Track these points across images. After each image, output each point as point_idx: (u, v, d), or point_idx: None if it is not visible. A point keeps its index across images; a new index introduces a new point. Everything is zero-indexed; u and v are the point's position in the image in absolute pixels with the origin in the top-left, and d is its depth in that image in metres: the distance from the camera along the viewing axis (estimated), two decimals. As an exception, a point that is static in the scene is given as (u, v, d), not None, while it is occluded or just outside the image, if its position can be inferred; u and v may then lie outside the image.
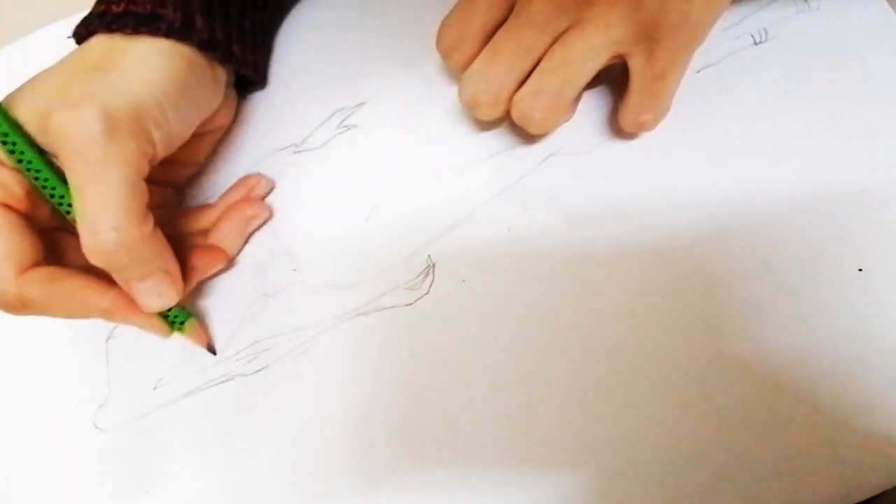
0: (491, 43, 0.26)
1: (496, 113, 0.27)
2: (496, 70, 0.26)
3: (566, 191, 0.29)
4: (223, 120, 0.31)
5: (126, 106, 0.24)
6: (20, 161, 0.24)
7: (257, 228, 0.31)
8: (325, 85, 0.33)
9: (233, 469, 0.28)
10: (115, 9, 0.26)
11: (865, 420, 0.25)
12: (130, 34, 0.26)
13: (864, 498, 0.24)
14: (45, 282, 0.24)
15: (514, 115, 0.27)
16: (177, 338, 0.28)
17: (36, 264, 0.25)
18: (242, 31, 0.30)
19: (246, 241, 0.31)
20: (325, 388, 0.28)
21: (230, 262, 0.30)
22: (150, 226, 0.24)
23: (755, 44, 0.30)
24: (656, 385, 0.26)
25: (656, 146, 0.29)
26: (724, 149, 0.29)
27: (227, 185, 0.32)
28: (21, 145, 0.24)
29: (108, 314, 0.26)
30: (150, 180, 0.25)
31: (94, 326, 0.31)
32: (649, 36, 0.24)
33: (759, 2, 0.31)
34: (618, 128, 0.29)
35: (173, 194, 0.31)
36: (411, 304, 0.29)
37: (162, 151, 0.26)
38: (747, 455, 0.25)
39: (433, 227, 0.30)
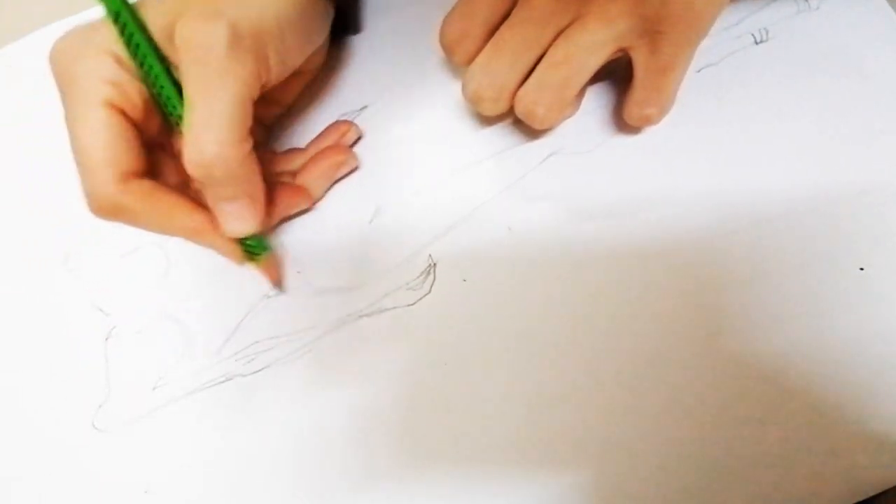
0: (494, 38, 0.26)
1: (499, 108, 0.27)
2: (499, 65, 0.26)
3: (567, 190, 0.29)
4: (318, 60, 0.31)
5: (250, 25, 0.24)
6: (142, 65, 0.24)
7: (345, 176, 0.31)
8: (328, 90, 0.33)
9: (232, 469, 0.28)
10: None
11: (865, 420, 0.25)
12: None
13: (863, 498, 0.24)
14: (143, 194, 0.25)
15: (518, 110, 0.27)
16: (171, 340, 0.28)
17: (136, 175, 0.25)
18: None
19: (331, 186, 0.31)
20: (325, 388, 0.28)
21: (313, 205, 0.31)
22: (249, 147, 0.25)
23: (756, 43, 0.30)
24: (656, 385, 0.26)
25: (657, 145, 0.29)
26: (725, 148, 0.29)
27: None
28: (144, 48, 0.24)
29: (193, 233, 0.26)
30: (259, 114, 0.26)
31: (94, 327, 0.30)
32: (652, 30, 0.24)
33: (759, 1, 0.31)
34: (621, 123, 0.29)
35: (263, 133, 0.32)
36: (413, 304, 0.29)
37: (275, 77, 0.26)
38: (747, 455, 0.25)
39: (434, 228, 0.30)
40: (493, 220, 0.29)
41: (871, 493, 0.24)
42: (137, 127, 0.25)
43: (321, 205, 0.31)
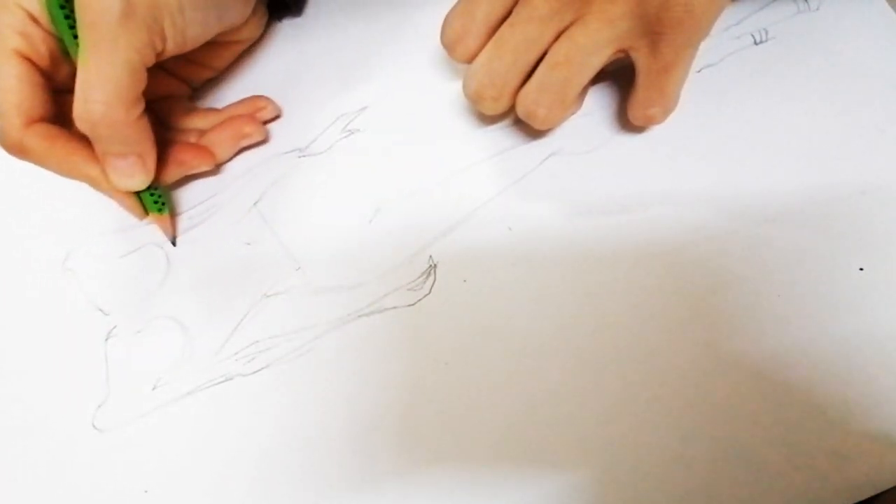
0: (495, 37, 0.26)
1: (500, 107, 0.27)
2: (500, 64, 0.26)
3: (567, 190, 0.29)
4: (249, 34, 0.32)
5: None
6: (53, 21, 0.26)
7: (248, 148, 0.32)
8: (327, 90, 0.33)
9: (233, 469, 0.28)
10: None
11: (865, 420, 0.25)
12: None
13: (863, 498, 0.24)
14: (46, 138, 0.27)
15: (519, 110, 0.27)
16: (171, 340, 0.28)
17: (43, 119, 0.27)
18: None
19: (236, 154, 0.32)
20: (326, 388, 0.28)
21: (216, 168, 0.32)
22: (137, 112, 0.26)
23: (755, 44, 0.30)
24: (657, 384, 0.26)
25: (657, 146, 0.29)
26: (725, 148, 0.29)
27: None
28: (54, 6, 0.26)
29: (92, 181, 0.28)
30: (167, 71, 0.29)
31: (94, 327, 0.30)
32: (653, 30, 0.24)
33: (759, 2, 0.31)
34: (621, 123, 0.29)
35: (187, 90, 0.33)
36: (413, 304, 0.29)
37: (172, 49, 0.27)
38: (747, 455, 0.25)
39: (435, 228, 0.30)
40: (493, 220, 0.29)
41: (871, 493, 0.24)
42: (45, 75, 0.27)
43: (322, 204, 0.31)
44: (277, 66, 0.34)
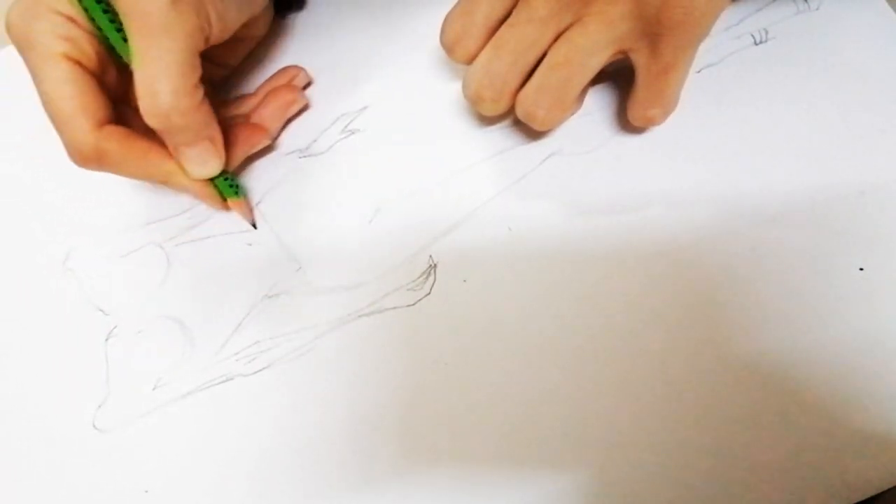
0: (494, 38, 0.26)
1: (499, 108, 0.27)
2: (499, 65, 0.26)
3: (567, 190, 0.29)
4: (259, 30, 0.33)
5: None
6: (92, 20, 0.26)
7: (294, 117, 0.33)
8: (328, 91, 0.33)
9: (233, 469, 0.28)
10: None
11: (865, 420, 0.25)
12: None
13: (863, 498, 0.24)
14: (121, 138, 0.27)
15: (519, 112, 0.27)
16: (171, 340, 0.28)
17: (109, 122, 0.27)
18: None
19: (284, 127, 0.32)
20: (326, 388, 0.28)
21: (271, 142, 0.32)
22: (201, 94, 0.26)
23: (755, 44, 0.30)
24: (657, 385, 0.26)
25: (656, 146, 0.29)
26: (725, 149, 0.29)
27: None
28: (91, 4, 0.25)
29: (170, 176, 0.28)
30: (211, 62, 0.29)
31: (94, 327, 0.30)
32: (652, 31, 0.24)
33: (759, 2, 0.31)
34: (621, 124, 0.29)
35: (209, 90, 0.32)
36: (413, 304, 0.29)
37: (217, 34, 0.27)
38: (747, 455, 0.25)
39: (435, 228, 0.30)
40: (494, 221, 0.29)
41: (871, 493, 0.24)
42: (97, 77, 0.27)
43: (322, 205, 0.31)
44: (278, 67, 0.34)
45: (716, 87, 0.30)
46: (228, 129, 0.29)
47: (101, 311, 0.31)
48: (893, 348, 0.25)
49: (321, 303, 0.29)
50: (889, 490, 0.24)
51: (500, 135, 0.31)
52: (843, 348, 0.26)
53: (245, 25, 0.30)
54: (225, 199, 0.30)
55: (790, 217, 0.27)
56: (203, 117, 0.26)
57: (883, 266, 0.26)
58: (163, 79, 0.25)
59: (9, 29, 0.26)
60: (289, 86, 0.32)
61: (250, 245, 0.31)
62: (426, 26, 0.32)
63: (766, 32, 0.30)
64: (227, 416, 0.28)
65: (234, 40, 0.31)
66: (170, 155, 0.27)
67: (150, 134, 0.27)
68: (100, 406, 0.29)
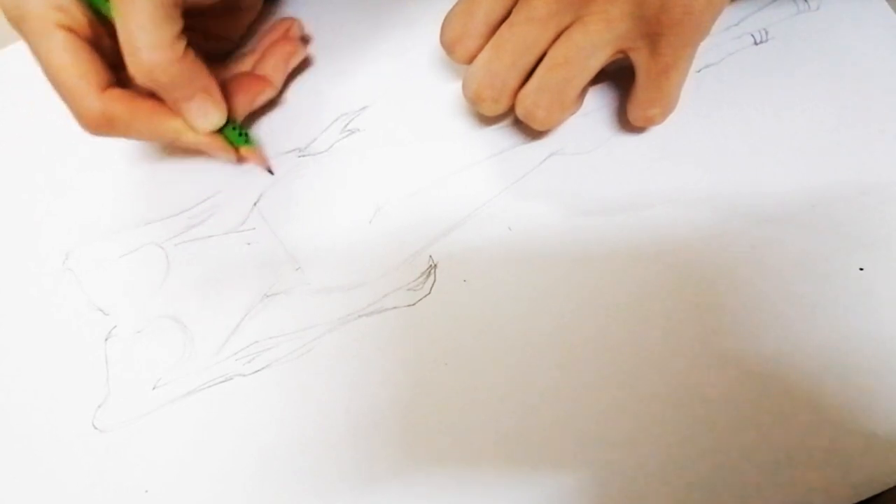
0: (494, 38, 0.26)
1: (499, 108, 0.27)
2: (499, 65, 0.26)
3: (567, 190, 0.29)
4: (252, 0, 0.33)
5: None
6: None
7: (299, 70, 0.33)
8: (328, 90, 0.33)
9: (232, 469, 0.28)
10: None
11: (865, 420, 0.25)
12: None
13: (863, 498, 0.24)
14: (126, 100, 0.27)
15: (519, 112, 0.27)
16: (171, 340, 0.28)
17: (111, 86, 0.27)
18: None
19: (288, 81, 0.33)
20: (325, 388, 0.28)
21: (276, 94, 0.32)
22: (181, 47, 0.26)
23: (755, 44, 0.30)
24: (657, 385, 0.26)
25: (657, 145, 0.29)
26: (724, 149, 0.29)
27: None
28: None
29: (178, 134, 0.28)
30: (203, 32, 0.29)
31: (94, 327, 0.30)
32: (652, 31, 0.24)
33: (759, 2, 0.31)
34: (621, 123, 0.29)
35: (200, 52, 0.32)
36: (413, 304, 0.29)
37: None
38: (747, 455, 0.25)
39: (435, 228, 0.30)
40: (494, 221, 0.29)
41: (871, 493, 0.24)
42: (93, 44, 0.27)
43: (322, 204, 0.31)
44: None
45: (716, 87, 0.30)
46: (229, 82, 0.30)
47: (101, 311, 0.31)
48: (893, 348, 0.25)
49: (320, 303, 0.29)
50: (889, 490, 0.24)
51: (500, 135, 0.31)
52: (844, 348, 0.26)
53: None
54: (237, 150, 0.30)
55: (790, 217, 0.27)
56: (189, 69, 0.26)
57: (883, 266, 0.26)
58: (140, 35, 0.24)
59: (1, 5, 0.26)
60: (287, 38, 0.32)
61: (249, 244, 0.31)
62: (426, 26, 0.32)
63: (767, 32, 0.30)
64: (227, 415, 0.28)
65: (231, 10, 0.31)
66: (174, 112, 0.27)
67: (152, 96, 0.27)
68: (100, 406, 0.29)
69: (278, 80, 0.32)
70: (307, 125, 0.33)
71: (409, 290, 0.29)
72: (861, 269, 0.27)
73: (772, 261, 0.27)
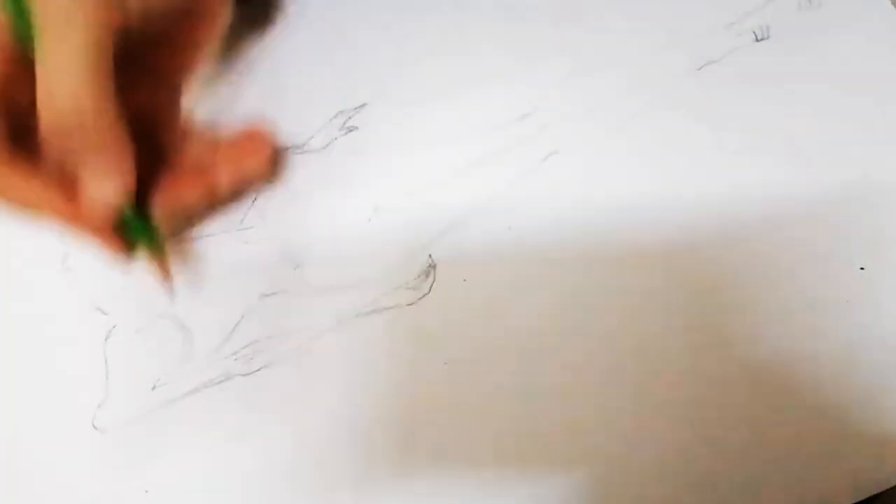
0: None
1: None
2: None
3: (567, 190, 0.29)
4: (219, 6, 0.28)
5: None
6: (6, 9, 0.23)
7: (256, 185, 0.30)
8: (326, 87, 0.33)
9: (232, 469, 0.28)
10: None
11: (865, 420, 0.25)
12: None
13: (863, 497, 0.24)
14: (5, 162, 0.23)
15: None
16: (170, 340, 0.28)
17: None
18: None
19: (241, 195, 0.29)
20: (325, 388, 0.28)
21: (215, 203, 0.28)
22: (106, 95, 0.23)
23: (756, 41, 0.30)
24: (656, 384, 0.26)
25: (657, 144, 0.29)
26: (725, 147, 0.29)
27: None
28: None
29: (71, 218, 0.25)
30: (152, 71, 0.25)
31: (94, 327, 0.30)
32: None
33: (760, -1, 0.31)
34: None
35: (178, 94, 0.29)
36: (412, 304, 0.29)
37: (136, 17, 0.24)
38: (747, 455, 0.25)
39: (434, 227, 0.29)
40: (493, 221, 0.29)
41: (871, 493, 0.24)
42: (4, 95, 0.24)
43: (320, 203, 0.31)
44: (275, 62, 0.33)
45: (716, 85, 0.30)
46: (166, 171, 0.26)
47: (101, 310, 0.31)
48: (894, 347, 0.25)
49: (319, 302, 0.29)
50: (889, 490, 0.24)
51: (500, 134, 0.31)
52: (844, 348, 0.26)
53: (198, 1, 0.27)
54: (132, 245, 0.25)
55: (790, 216, 0.27)
56: (107, 121, 0.23)
57: (884, 265, 0.26)
58: (60, 75, 0.22)
59: None
60: (249, 144, 0.28)
61: (247, 244, 0.31)
62: (425, 22, 0.32)
63: (767, 30, 0.30)
64: (227, 415, 0.28)
65: (192, 18, 0.27)
66: (69, 193, 0.24)
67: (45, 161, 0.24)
68: (99, 406, 0.29)
69: (222, 189, 0.27)
70: (305, 122, 0.32)
71: (408, 289, 0.29)
72: (862, 269, 0.26)
73: (772, 260, 0.27)
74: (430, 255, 0.29)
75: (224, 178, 0.27)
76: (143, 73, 0.26)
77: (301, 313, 0.29)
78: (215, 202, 0.28)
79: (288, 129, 0.32)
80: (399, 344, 0.28)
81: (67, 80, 0.22)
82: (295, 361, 0.29)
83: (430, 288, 0.29)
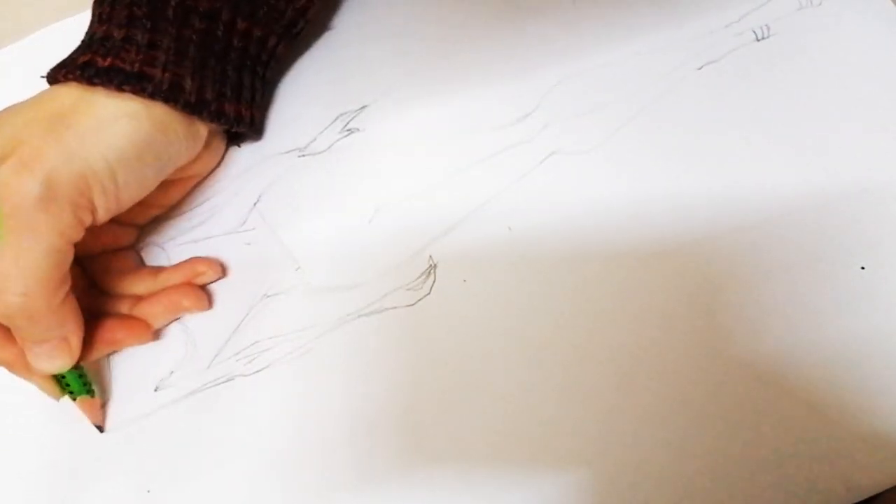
0: None
1: None
2: None
3: (567, 190, 0.29)
4: (201, 168, 0.31)
5: (73, 174, 0.24)
6: None
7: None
8: (327, 89, 0.33)
9: (233, 469, 0.28)
10: (100, 62, 0.25)
11: (865, 420, 0.25)
12: (113, 90, 0.25)
13: (863, 497, 0.24)
14: None
15: None
16: (172, 341, 0.29)
17: None
18: (240, 87, 0.30)
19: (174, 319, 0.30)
20: (326, 388, 0.28)
21: (151, 339, 0.29)
22: (60, 297, 0.24)
23: (757, 40, 0.30)
24: (656, 385, 0.26)
25: (657, 144, 0.29)
26: (725, 146, 0.29)
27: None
28: None
29: (8, 365, 0.27)
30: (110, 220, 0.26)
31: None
32: None
33: (761, -2, 0.31)
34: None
35: (133, 233, 0.31)
36: (413, 304, 0.29)
37: (105, 216, 0.26)
38: (747, 454, 0.25)
39: (434, 228, 0.30)
40: (493, 221, 0.29)
41: (871, 493, 0.24)
42: None
43: (321, 204, 0.31)
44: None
45: (717, 84, 0.30)
46: (103, 321, 0.28)
47: (102, 311, 0.31)
48: (893, 348, 0.25)
49: (320, 303, 0.29)
50: (889, 490, 0.24)
51: (500, 134, 0.31)
52: (844, 348, 0.26)
53: (178, 171, 0.29)
54: (69, 393, 0.28)
55: (790, 216, 0.27)
56: (58, 318, 0.25)
57: (884, 265, 0.26)
58: (15, 278, 0.23)
59: None
60: (188, 286, 0.29)
61: (249, 245, 0.31)
62: (425, 24, 0.32)
63: (768, 29, 0.30)
64: (228, 416, 0.28)
65: (166, 184, 0.29)
66: (11, 342, 0.25)
67: None
68: (103, 406, 0.29)
69: (158, 326, 0.29)
70: (306, 125, 0.32)
71: (408, 289, 0.29)
72: (862, 268, 0.26)
73: (772, 260, 0.27)
74: (430, 256, 0.29)
75: (159, 321, 0.29)
76: (105, 225, 0.27)
77: (302, 314, 0.29)
78: (149, 341, 0.30)
79: (290, 131, 0.33)
80: (399, 344, 0.28)
81: (22, 282, 0.23)
82: (296, 362, 0.29)
83: (431, 288, 0.29)
